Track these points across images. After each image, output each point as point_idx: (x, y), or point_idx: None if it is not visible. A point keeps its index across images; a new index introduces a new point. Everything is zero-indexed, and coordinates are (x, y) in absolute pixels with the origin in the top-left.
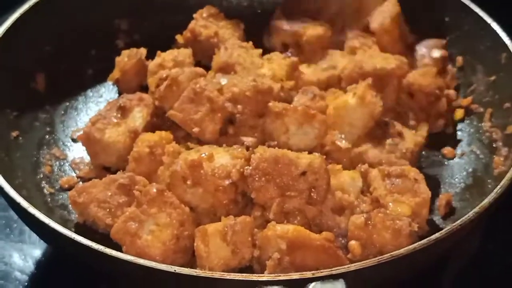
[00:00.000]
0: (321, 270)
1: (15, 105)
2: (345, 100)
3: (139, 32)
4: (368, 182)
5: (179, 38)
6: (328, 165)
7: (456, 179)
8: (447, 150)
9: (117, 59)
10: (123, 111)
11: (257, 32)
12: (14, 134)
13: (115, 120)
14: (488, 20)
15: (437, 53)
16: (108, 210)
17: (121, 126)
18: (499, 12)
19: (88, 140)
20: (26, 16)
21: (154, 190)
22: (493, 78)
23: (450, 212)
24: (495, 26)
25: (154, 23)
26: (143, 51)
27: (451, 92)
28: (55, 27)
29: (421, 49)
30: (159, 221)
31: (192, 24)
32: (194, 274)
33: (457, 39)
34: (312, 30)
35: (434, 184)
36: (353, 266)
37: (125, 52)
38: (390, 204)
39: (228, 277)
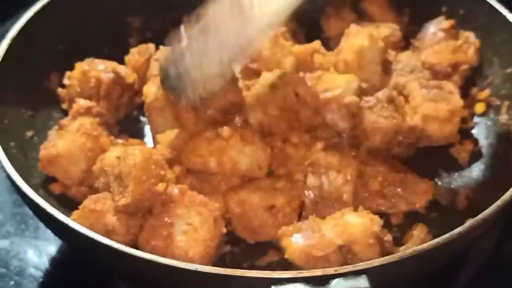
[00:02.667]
0: (344, 267)
1: (30, 104)
2: (360, 44)
3: (151, 30)
4: (406, 94)
5: None
6: None
7: (475, 173)
8: (464, 143)
9: (127, 58)
10: (60, 127)
11: None
12: (29, 134)
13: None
14: (504, 12)
15: (445, 24)
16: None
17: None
18: None
19: (50, 163)
20: (38, 15)
21: (176, 191)
22: (509, 70)
23: (469, 206)
24: (511, 18)
25: (166, 20)
26: (151, 46)
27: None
28: (67, 26)
29: (429, 28)
30: (190, 221)
31: None
32: (215, 272)
33: (473, 32)
34: None
35: (452, 177)
36: (376, 262)
37: (133, 50)
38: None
39: (249, 275)
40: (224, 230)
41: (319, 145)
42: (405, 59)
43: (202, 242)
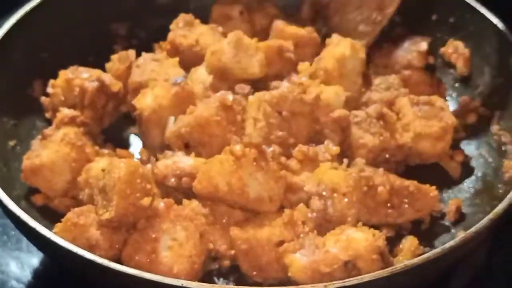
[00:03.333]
0: (334, 282)
1: (12, 113)
2: (341, 52)
3: (137, 37)
4: (396, 111)
5: (159, 47)
6: None
7: (465, 184)
8: (455, 154)
9: (108, 65)
10: (44, 137)
11: None
12: (12, 143)
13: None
14: (495, 20)
15: (423, 45)
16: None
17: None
18: (505, 12)
19: (33, 174)
20: (21, 22)
21: (162, 205)
22: (500, 80)
23: (460, 218)
24: (502, 27)
25: (152, 27)
26: (132, 53)
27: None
28: (51, 34)
29: (404, 45)
30: (176, 236)
31: (170, 35)
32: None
33: (463, 41)
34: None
35: (443, 189)
36: (366, 277)
37: (114, 57)
38: None
39: None
40: (211, 245)
41: (323, 166)
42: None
43: (187, 258)
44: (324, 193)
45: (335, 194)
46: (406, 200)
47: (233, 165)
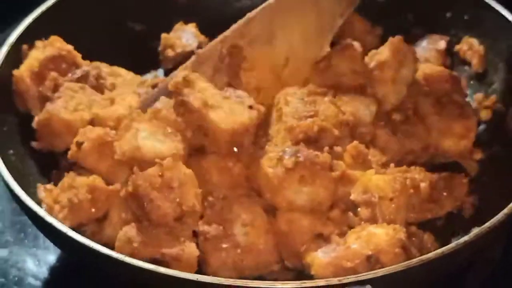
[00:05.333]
0: (348, 276)
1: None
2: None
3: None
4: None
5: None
6: None
7: (481, 181)
8: (474, 151)
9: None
10: None
11: None
12: (29, 141)
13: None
14: (510, 17)
15: (441, 44)
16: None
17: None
18: None
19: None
20: (37, 22)
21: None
22: None
23: (475, 214)
24: None
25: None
26: None
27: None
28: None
29: (422, 44)
30: (245, 221)
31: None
32: (217, 282)
33: (478, 38)
34: None
35: None
36: (380, 272)
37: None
38: None
39: (251, 285)
40: None
41: (369, 173)
42: None
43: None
44: (372, 199)
45: (382, 201)
46: (444, 193)
47: (280, 183)
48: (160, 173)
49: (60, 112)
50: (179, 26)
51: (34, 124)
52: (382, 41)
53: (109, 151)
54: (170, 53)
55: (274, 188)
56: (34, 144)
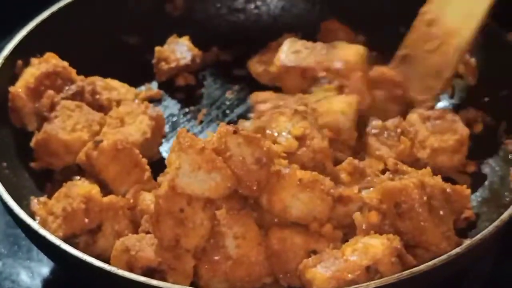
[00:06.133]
0: None
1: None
2: None
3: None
4: (406, 128)
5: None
6: None
7: (473, 193)
8: (467, 164)
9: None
10: None
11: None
12: (22, 154)
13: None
14: (501, 31)
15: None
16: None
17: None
18: None
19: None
20: (32, 34)
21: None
22: (507, 90)
23: (468, 226)
24: (508, 38)
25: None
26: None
27: None
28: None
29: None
30: (237, 234)
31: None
32: None
33: (470, 51)
34: None
35: None
36: (372, 284)
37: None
38: None
39: None
40: None
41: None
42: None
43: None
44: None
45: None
46: (445, 205)
47: (276, 186)
48: (182, 209)
49: (58, 133)
50: (172, 39)
51: (31, 144)
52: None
53: (123, 158)
54: (164, 66)
55: (272, 187)
56: (32, 164)
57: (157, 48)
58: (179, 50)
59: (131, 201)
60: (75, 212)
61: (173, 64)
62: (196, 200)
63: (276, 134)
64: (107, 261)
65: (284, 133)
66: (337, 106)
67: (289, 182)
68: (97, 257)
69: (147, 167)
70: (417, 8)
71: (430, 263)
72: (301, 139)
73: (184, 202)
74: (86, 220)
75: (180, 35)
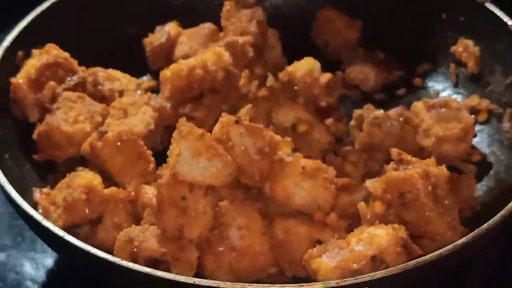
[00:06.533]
0: (345, 279)
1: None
2: None
3: None
4: (411, 117)
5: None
6: None
7: (478, 183)
8: (472, 153)
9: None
10: None
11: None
12: (25, 145)
13: None
14: (505, 19)
15: None
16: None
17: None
18: None
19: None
20: (32, 24)
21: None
22: (511, 78)
23: (473, 216)
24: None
25: None
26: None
27: None
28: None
29: None
30: (241, 224)
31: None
32: (215, 285)
33: (473, 39)
34: None
35: None
36: (378, 274)
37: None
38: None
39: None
40: None
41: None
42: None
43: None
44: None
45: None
46: (450, 194)
47: (279, 173)
48: (184, 196)
49: (60, 125)
50: (160, 27)
51: (34, 136)
52: (365, 36)
53: (128, 149)
54: (148, 53)
55: (275, 175)
56: (35, 157)
57: (144, 40)
58: (161, 33)
59: (132, 194)
60: (76, 202)
61: (150, 47)
62: (198, 188)
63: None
64: (106, 252)
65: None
66: None
67: (292, 170)
68: (97, 248)
69: (152, 158)
70: None
71: (436, 252)
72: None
73: (186, 190)
74: (87, 210)
75: (181, 24)
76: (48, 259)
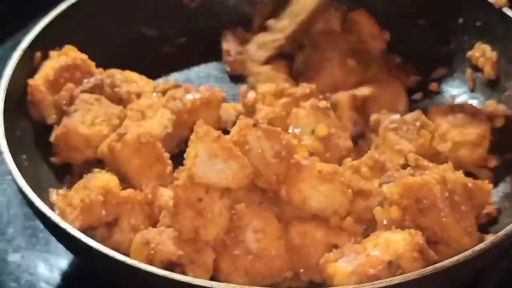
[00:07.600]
0: (359, 285)
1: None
2: None
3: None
4: (428, 122)
5: None
6: None
7: (494, 188)
8: (489, 159)
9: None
10: None
11: None
12: (42, 146)
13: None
14: None
15: None
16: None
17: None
18: None
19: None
20: (48, 28)
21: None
22: None
23: (490, 222)
24: None
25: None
26: None
27: None
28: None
29: None
30: (256, 228)
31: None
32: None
33: (490, 44)
34: None
35: None
36: (396, 279)
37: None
38: None
39: None
40: None
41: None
42: None
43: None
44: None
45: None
46: (466, 200)
47: (295, 177)
48: (200, 198)
49: (78, 127)
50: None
51: (51, 139)
52: (390, 47)
53: (146, 152)
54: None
55: (291, 178)
56: (52, 159)
57: None
58: None
59: (149, 196)
60: (92, 204)
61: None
62: (214, 190)
63: (297, 131)
64: (122, 254)
65: (306, 134)
66: None
67: (309, 174)
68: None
69: (169, 161)
70: None
71: (453, 258)
72: (325, 139)
73: (202, 192)
74: (104, 212)
75: (198, 27)
76: (62, 261)
